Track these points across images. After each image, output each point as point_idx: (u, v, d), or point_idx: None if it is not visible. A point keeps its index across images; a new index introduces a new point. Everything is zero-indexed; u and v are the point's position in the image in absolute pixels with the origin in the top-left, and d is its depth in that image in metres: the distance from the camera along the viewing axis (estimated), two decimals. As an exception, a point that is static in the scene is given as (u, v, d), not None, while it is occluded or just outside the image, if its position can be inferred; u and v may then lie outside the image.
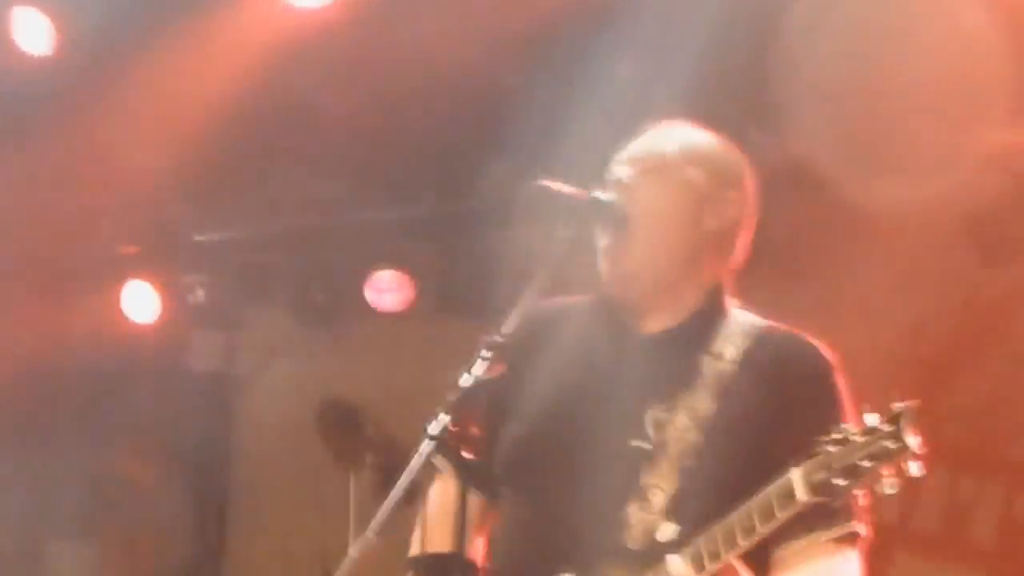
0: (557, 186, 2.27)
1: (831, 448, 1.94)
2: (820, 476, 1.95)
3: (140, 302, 5.59)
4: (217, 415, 6.67)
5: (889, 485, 1.91)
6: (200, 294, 5.75)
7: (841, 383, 2.27)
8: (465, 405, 2.09)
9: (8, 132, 5.25)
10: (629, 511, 2.27)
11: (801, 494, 1.96)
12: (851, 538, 2.20)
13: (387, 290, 5.48)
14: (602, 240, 2.30)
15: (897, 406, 1.93)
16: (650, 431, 2.30)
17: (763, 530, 2.01)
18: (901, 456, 1.89)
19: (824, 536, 2.17)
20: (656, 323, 2.36)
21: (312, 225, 5.72)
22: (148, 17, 4.89)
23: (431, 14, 4.66)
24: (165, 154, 5.28)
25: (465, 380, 2.10)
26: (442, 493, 2.30)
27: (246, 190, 5.54)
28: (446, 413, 2.06)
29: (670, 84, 4.34)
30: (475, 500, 2.32)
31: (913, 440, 1.88)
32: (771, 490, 2.00)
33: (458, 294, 5.31)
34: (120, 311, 5.65)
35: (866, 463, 1.91)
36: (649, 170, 2.32)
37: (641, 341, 2.38)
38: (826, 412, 2.18)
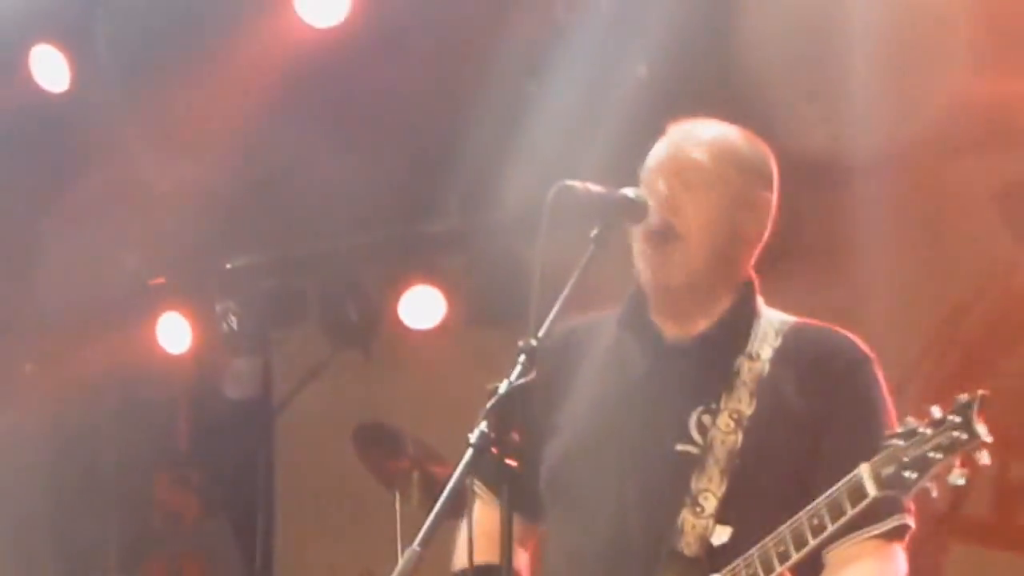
0: (584, 186, 2.23)
1: (899, 442, 1.97)
2: (890, 470, 1.97)
3: (174, 332, 5.68)
4: (257, 440, 6.69)
5: (959, 476, 1.93)
6: (233, 320, 5.80)
7: (878, 373, 2.28)
8: (503, 411, 2.07)
9: (32, 170, 5.32)
10: (682, 517, 2.27)
11: (872, 489, 1.98)
12: (901, 531, 2.22)
13: (420, 306, 5.52)
14: (636, 242, 2.30)
15: (963, 397, 1.94)
16: (695, 435, 2.31)
17: (833, 528, 2.02)
18: (971, 446, 1.91)
19: (876, 531, 2.18)
20: (692, 327, 2.37)
21: (341, 245, 5.75)
22: (169, 44, 4.96)
23: (445, 26, 4.72)
24: (190, 182, 5.30)
25: (503, 387, 2.07)
26: (486, 509, 2.29)
27: (273, 214, 5.59)
28: (485, 420, 2.05)
29: (678, 80, 4.45)
30: (517, 518, 2.24)
31: (983, 429, 1.90)
32: (841, 487, 2.01)
33: (491, 306, 5.32)
34: (155, 342, 5.74)
35: (937, 455, 1.93)
36: (681, 170, 2.33)
37: (678, 346, 2.39)
38: (867, 404, 2.22)
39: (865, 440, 2.10)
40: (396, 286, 5.61)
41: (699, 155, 2.33)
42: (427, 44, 4.78)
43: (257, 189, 5.31)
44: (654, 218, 2.26)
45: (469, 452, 2.02)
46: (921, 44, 4.21)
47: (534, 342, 2.08)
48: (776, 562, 2.10)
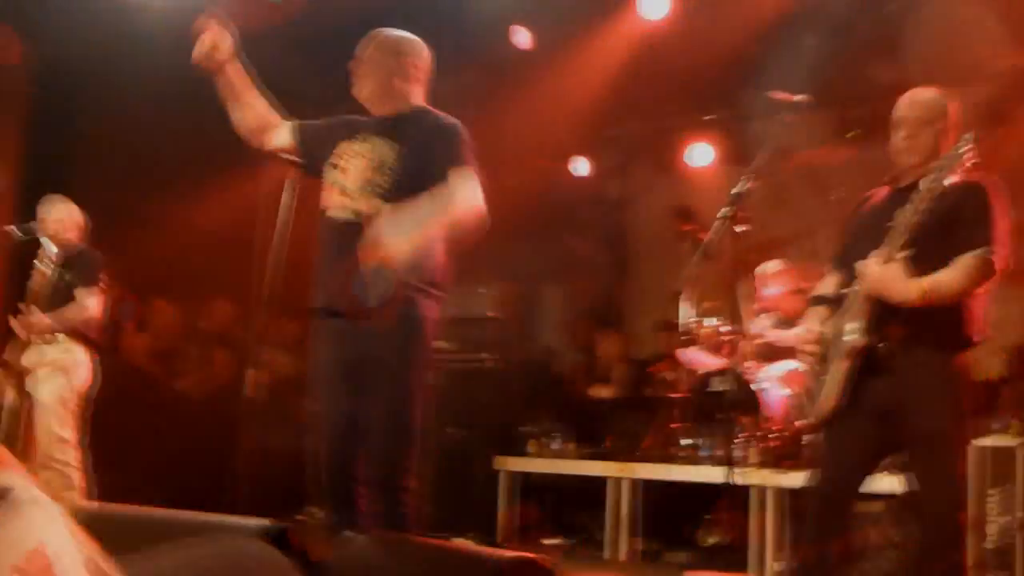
0: (782, 95, 3.57)
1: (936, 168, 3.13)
2: (932, 176, 3.12)
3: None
4: (616, 221, 9.92)
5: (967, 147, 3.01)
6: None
7: (997, 198, 3.23)
8: (736, 201, 3.74)
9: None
10: (879, 250, 3.28)
11: (924, 187, 3.12)
12: (988, 255, 3.13)
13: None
14: (896, 156, 3.41)
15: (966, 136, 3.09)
16: (896, 217, 3.28)
17: (913, 218, 3.15)
18: (969, 151, 3.02)
19: (978, 252, 3.13)
20: (908, 180, 3.42)
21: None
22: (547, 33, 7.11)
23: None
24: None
25: (736, 189, 3.70)
26: None
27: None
28: (729, 205, 3.71)
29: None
30: (835, 275, 3.63)
31: (969, 149, 3.02)
32: (914, 195, 3.18)
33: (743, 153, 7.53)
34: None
35: (946, 162, 3.13)
36: (926, 118, 3.40)
37: (901, 189, 3.43)
38: (982, 209, 3.21)
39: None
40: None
41: (918, 98, 3.48)
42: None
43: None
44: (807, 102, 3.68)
45: (720, 216, 3.72)
46: None
47: (753, 171, 3.61)
48: (912, 226, 3.14)
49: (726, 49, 7.15)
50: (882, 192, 3.49)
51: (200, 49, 3.48)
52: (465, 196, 3.39)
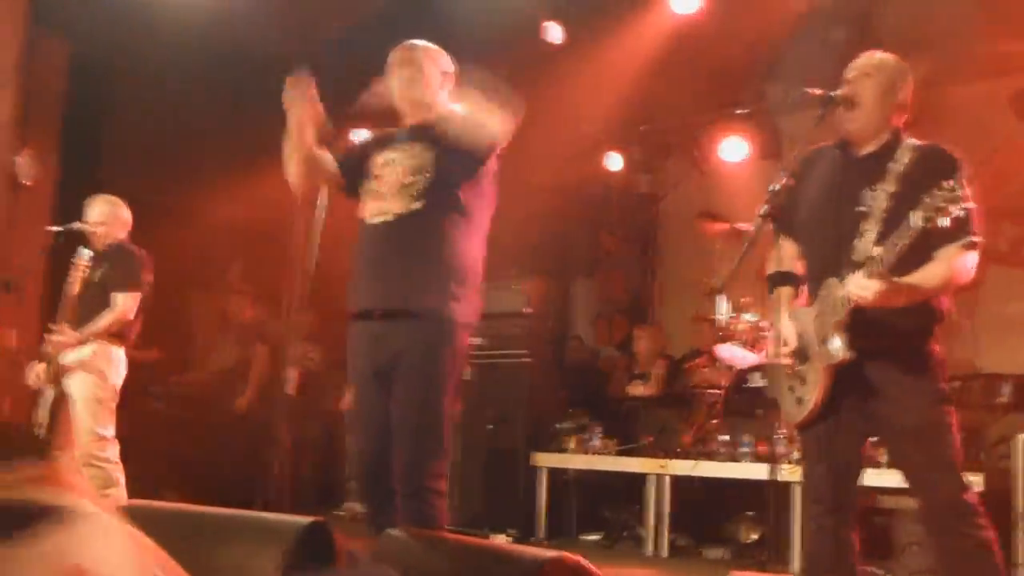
0: (815, 91, 3.21)
1: (927, 199, 2.77)
2: (923, 213, 2.78)
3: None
4: (648, 216, 9.98)
5: (960, 207, 2.71)
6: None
7: (962, 168, 3.04)
8: (775, 197, 3.22)
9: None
10: (855, 243, 3.14)
11: (917, 222, 2.80)
12: (972, 245, 2.99)
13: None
14: (841, 115, 3.23)
15: (960, 174, 2.86)
16: (867, 201, 3.16)
17: (901, 244, 2.88)
18: (962, 198, 2.73)
19: (959, 242, 2.98)
20: (868, 148, 3.27)
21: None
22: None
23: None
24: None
25: (773, 186, 3.20)
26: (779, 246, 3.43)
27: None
28: (767, 202, 3.19)
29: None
30: (788, 240, 3.44)
31: (965, 191, 2.74)
32: (904, 223, 2.86)
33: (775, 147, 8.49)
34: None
35: (942, 203, 2.74)
36: (867, 71, 3.27)
37: (860, 158, 3.27)
38: (951, 181, 2.84)
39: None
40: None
41: (873, 59, 3.29)
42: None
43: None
44: (844, 95, 3.17)
45: (760, 214, 3.19)
46: None
47: (790, 163, 3.26)
48: (895, 254, 2.90)
49: (758, 43, 7.34)
50: (832, 154, 3.36)
51: (288, 104, 3.60)
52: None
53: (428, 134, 3.66)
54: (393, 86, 3.77)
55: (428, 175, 3.58)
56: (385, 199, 3.62)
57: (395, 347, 3.49)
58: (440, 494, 3.46)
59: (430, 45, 3.83)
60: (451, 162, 3.60)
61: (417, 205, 3.55)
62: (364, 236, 3.64)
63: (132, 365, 5.37)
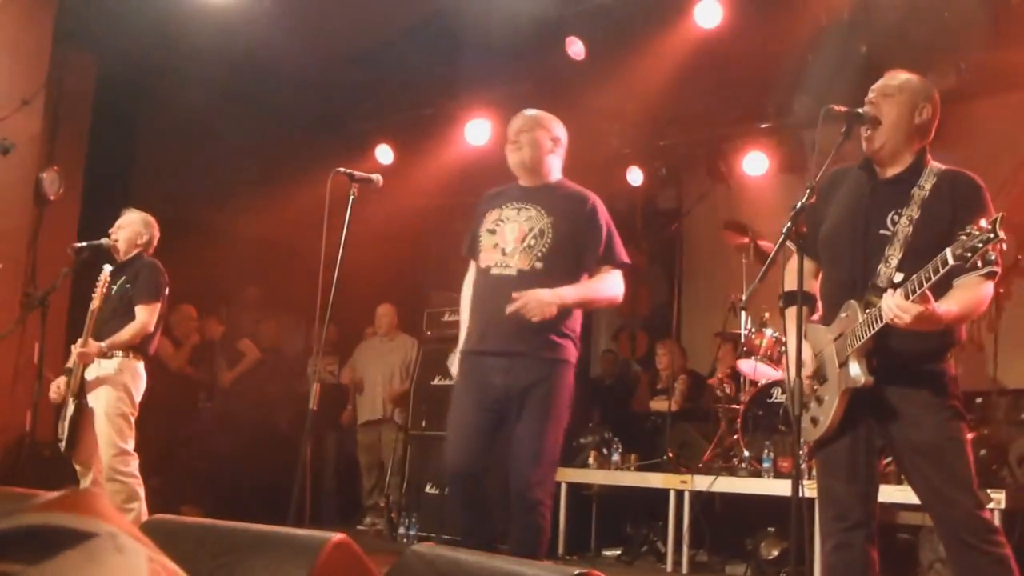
0: (840, 108, 3.19)
1: (964, 237, 2.72)
2: (959, 251, 2.72)
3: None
4: (670, 231, 9.81)
5: (991, 253, 2.69)
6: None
7: (986, 194, 3.07)
8: (798, 214, 3.16)
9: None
10: (879, 268, 3.10)
11: (950, 259, 2.74)
12: (992, 275, 2.97)
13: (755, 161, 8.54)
14: (864, 133, 3.20)
15: (995, 216, 2.70)
16: (890, 225, 3.13)
17: (935, 277, 2.80)
18: (998, 242, 2.66)
19: (978, 272, 2.94)
20: (893, 171, 3.23)
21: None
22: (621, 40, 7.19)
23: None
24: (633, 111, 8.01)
25: (796, 204, 3.13)
26: (796, 258, 3.29)
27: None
28: (790, 220, 3.12)
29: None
30: (809, 261, 3.30)
31: (1002, 234, 2.65)
32: (939, 256, 2.78)
33: (797, 162, 8.35)
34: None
35: (979, 244, 2.68)
36: (889, 91, 3.23)
37: (885, 181, 3.23)
38: (977, 211, 2.93)
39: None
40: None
41: (894, 81, 3.25)
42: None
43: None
44: (869, 114, 3.13)
45: (783, 234, 3.13)
46: None
47: (813, 182, 3.11)
48: (921, 283, 2.85)
49: (781, 57, 7.25)
50: (858, 175, 3.32)
51: None
52: (611, 287, 4.13)
53: (543, 198, 4.10)
54: (509, 151, 4.19)
55: (547, 239, 4.01)
56: (508, 255, 4.03)
57: (516, 383, 3.95)
58: (551, 507, 4.02)
59: (543, 114, 4.25)
60: (568, 228, 4.06)
61: (539, 265, 3.99)
62: (488, 284, 4.06)
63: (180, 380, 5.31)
